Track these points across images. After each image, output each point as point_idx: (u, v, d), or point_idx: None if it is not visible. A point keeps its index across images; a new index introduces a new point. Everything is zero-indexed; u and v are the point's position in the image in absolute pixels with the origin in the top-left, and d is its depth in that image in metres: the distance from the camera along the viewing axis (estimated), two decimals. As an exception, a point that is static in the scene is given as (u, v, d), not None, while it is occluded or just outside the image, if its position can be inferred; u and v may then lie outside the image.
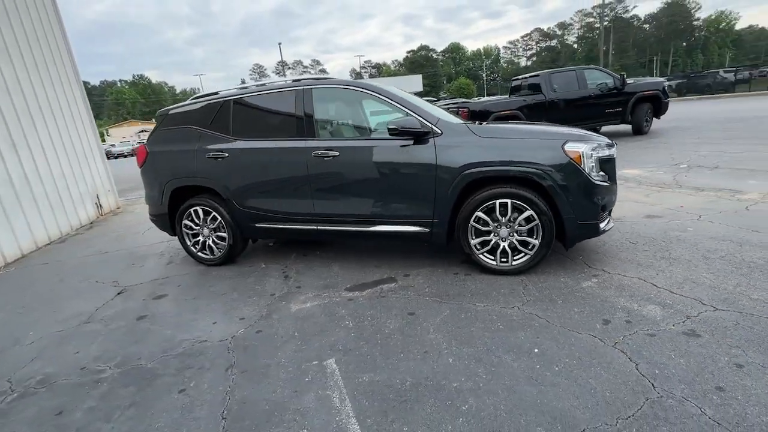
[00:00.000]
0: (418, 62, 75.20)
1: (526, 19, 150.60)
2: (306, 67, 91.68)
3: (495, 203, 2.78)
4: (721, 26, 66.39)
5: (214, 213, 3.55)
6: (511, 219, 2.79)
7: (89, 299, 3.27)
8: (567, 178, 2.64)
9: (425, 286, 2.85)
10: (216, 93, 3.79)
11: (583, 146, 2.67)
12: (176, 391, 1.96)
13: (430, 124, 2.88)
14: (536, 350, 1.98)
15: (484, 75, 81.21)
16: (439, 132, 2.87)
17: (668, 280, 2.56)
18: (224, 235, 3.61)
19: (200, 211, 3.61)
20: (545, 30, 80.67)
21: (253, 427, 1.67)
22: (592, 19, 73.63)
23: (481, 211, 2.82)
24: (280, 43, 73.85)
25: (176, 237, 3.96)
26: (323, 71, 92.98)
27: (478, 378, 1.82)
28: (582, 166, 2.64)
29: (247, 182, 3.41)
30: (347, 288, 2.97)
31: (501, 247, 2.87)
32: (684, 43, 70.15)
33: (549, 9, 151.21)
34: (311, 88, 3.26)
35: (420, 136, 2.87)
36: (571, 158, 2.64)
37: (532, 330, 2.16)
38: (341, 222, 3.23)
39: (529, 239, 2.80)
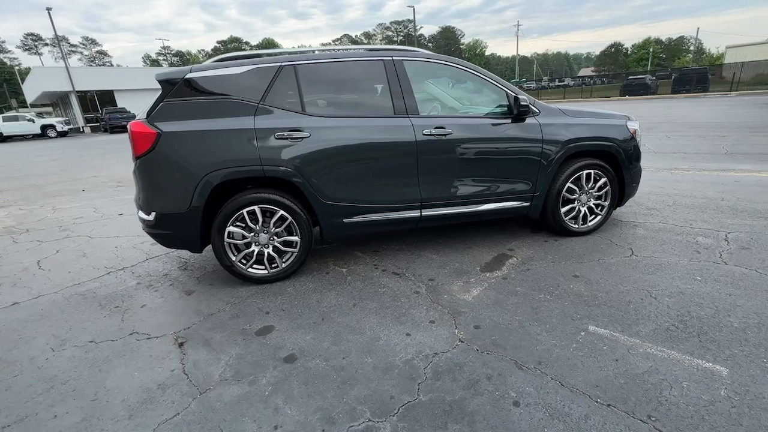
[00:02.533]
0: (231, 55, 69.34)
1: (332, 24, 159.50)
2: (74, 45, 70.85)
3: (582, 174, 3.24)
4: (477, 51, 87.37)
5: (281, 212, 2.71)
6: (591, 187, 3.32)
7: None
8: (630, 150, 3.34)
9: (544, 255, 3.07)
10: (257, 55, 2.88)
11: (635, 124, 3.43)
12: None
13: (530, 104, 3.08)
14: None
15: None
16: (537, 111, 3.11)
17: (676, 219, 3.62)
18: (295, 239, 2.81)
19: (258, 212, 2.69)
20: (353, 37, 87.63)
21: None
22: (390, 33, 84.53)
23: (570, 182, 3.24)
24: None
25: (197, 253, 2.83)
26: (103, 53, 74.30)
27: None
28: (637, 139, 3.40)
29: (339, 168, 2.76)
30: (481, 269, 2.87)
31: (582, 212, 3.36)
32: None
33: (350, 18, 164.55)
34: (402, 60, 2.92)
35: (527, 115, 3.04)
36: (631, 134, 3.35)
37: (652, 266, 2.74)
38: (450, 204, 3.05)
39: (601, 203, 3.40)
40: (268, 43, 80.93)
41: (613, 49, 73.99)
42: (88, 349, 2.19)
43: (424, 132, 2.84)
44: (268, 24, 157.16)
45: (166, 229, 2.67)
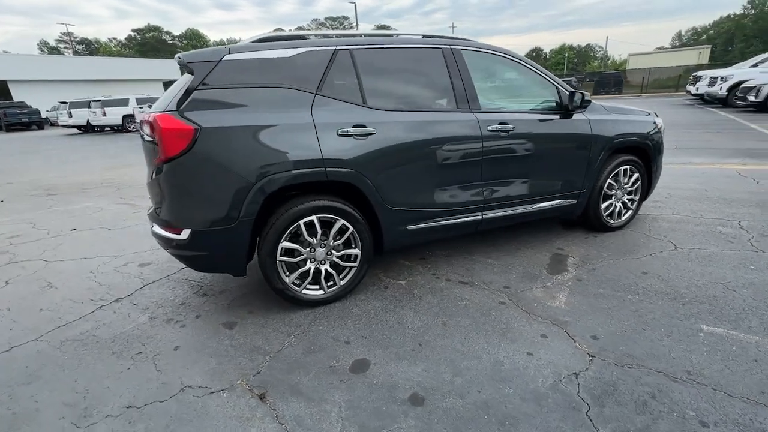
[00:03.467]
0: (149, 44, 62.55)
1: (263, 18, 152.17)
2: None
3: (620, 169, 3.27)
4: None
5: (342, 222, 2.31)
6: (626, 182, 3.37)
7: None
8: (657, 144, 3.45)
9: (597, 252, 3.02)
10: (302, 36, 2.42)
11: (660, 120, 3.54)
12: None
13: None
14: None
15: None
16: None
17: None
18: (354, 252, 2.42)
19: (317, 223, 2.26)
20: (287, 32, 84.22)
21: None
22: (326, 29, 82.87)
23: (611, 178, 3.25)
24: None
25: (238, 276, 2.33)
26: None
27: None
28: (662, 134, 3.52)
29: (406, 169, 2.42)
30: (548, 271, 2.74)
31: (618, 207, 3.40)
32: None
33: (282, 12, 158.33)
34: (460, 50, 2.66)
35: (577, 110, 2.97)
36: (659, 129, 3.46)
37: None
38: (510, 205, 2.86)
39: (633, 197, 3.47)
40: (193, 34, 74.77)
41: (534, 54, 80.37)
42: (132, 419, 1.63)
43: (489, 128, 2.62)
44: (189, 13, 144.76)
45: (203, 250, 2.12)
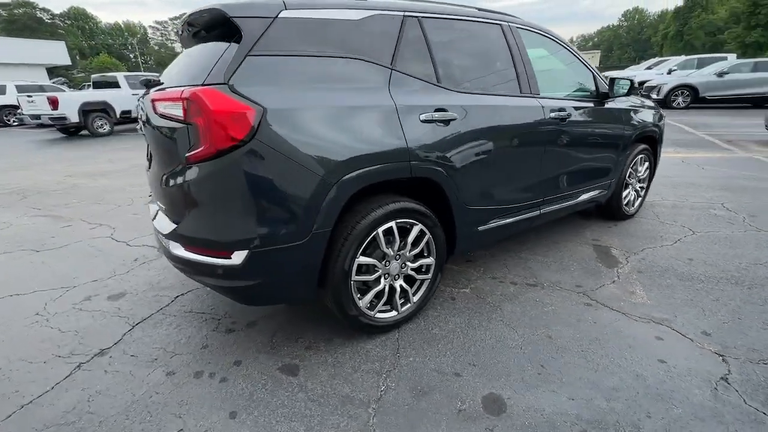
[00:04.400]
0: (21, 22, 51.90)
1: (170, 1, 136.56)
2: None
3: (638, 158, 3.33)
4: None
5: (420, 227, 1.90)
6: (639, 170, 3.45)
7: None
8: (662, 133, 3.59)
9: (632, 242, 3.02)
10: None
11: (661, 110, 3.69)
12: None
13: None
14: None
15: (132, 55, 68.15)
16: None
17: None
18: (428, 261, 2.02)
19: (395, 230, 1.82)
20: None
21: None
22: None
23: (630, 167, 3.29)
24: None
25: (298, 305, 1.79)
26: None
27: None
28: (664, 123, 3.67)
29: (484, 163, 2.08)
30: (605, 265, 2.63)
31: (633, 195, 3.47)
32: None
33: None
34: (517, 27, 2.39)
35: (613, 98, 2.90)
36: (663, 116, 3.60)
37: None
38: (563, 198, 2.69)
39: (643, 185, 3.58)
40: (78, 13, 64.33)
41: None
42: None
43: (551, 115, 2.41)
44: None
45: (263, 276, 1.55)
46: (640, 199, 3.59)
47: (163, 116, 1.52)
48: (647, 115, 3.30)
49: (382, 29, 1.78)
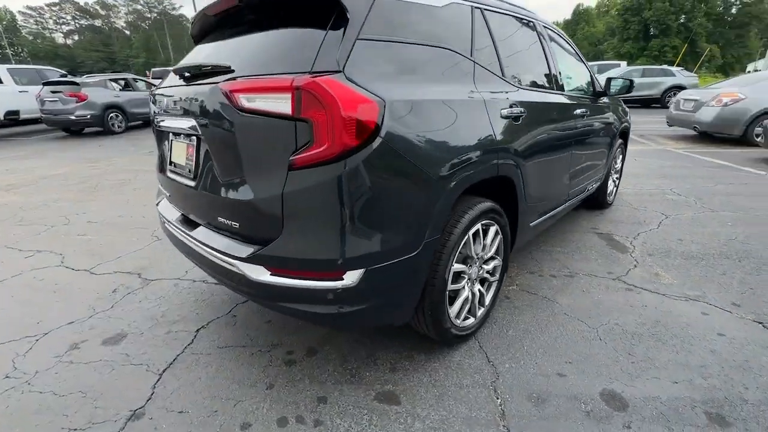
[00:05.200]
0: None
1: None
2: None
3: (617, 150, 3.66)
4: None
5: (496, 227, 1.82)
6: (617, 163, 3.79)
7: None
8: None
9: (627, 228, 3.29)
10: None
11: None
12: None
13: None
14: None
15: (-2, 45, 56.89)
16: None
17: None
18: (496, 262, 1.95)
19: (481, 233, 1.72)
20: (83, 5, 66.77)
21: None
22: (140, 7, 69.19)
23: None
24: None
25: (388, 326, 1.59)
26: None
27: None
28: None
29: (542, 157, 2.07)
30: (620, 251, 2.82)
31: (612, 186, 3.80)
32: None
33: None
34: (543, 25, 2.44)
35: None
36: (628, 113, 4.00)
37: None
38: (579, 191, 2.81)
39: (617, 176, 3.94)
40: None
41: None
42: None
43: (577, 111, 2.50)
44: None
45: (373, 298, 1.33)
46: (615, 188, 3.96)
47: (249, 111, 1.22)
48: (624, 111, 3.65)
49: (460, 19, 1.67)
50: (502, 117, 1.72)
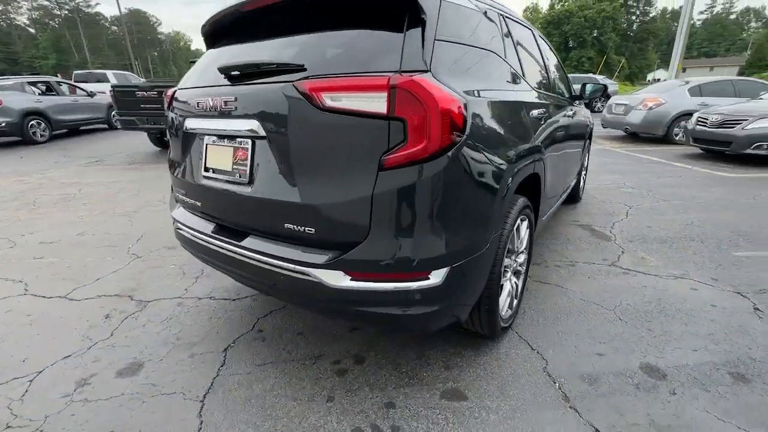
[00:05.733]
0: None
1: None
2: None
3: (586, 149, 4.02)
4: (181, 45, 78.42)
5: (527, 221, 1.92)
6: (586, 160, 4.15)
7: None
8: (591, 130, 4.40)
9: (601, 218, 3.62)
10: None
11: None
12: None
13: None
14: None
15: None
16: None
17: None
18: (526, 257, 2.05)
19: (521, 228, 1.81)
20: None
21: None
22: (47, 2, 61.74)
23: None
24: None
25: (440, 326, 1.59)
26: None
27: None
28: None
29: (555, 155, 2.23)
30: (614, 240, 3.09)
31: (582, 182, 4.16)
32: (156, 53, 76.73)
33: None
34: (536, 31, 2.61)
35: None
36: (589, 118, 4.40)
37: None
38: (569, 187, 3.03)
39: (584, 173, 4.31)
40: None
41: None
42: None
43: (569, 111, 2.72)
44: None
45: (452, 297, 1.33)
46: (584, 183, 4.33)
47: (333, 110, 1.18)
48: (588, 113, 4.02)
49: (495, 23, 1.75)
50: (533, 117, 1.83)
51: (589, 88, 3.29)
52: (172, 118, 1.74)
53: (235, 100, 1.37)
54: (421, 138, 1.13)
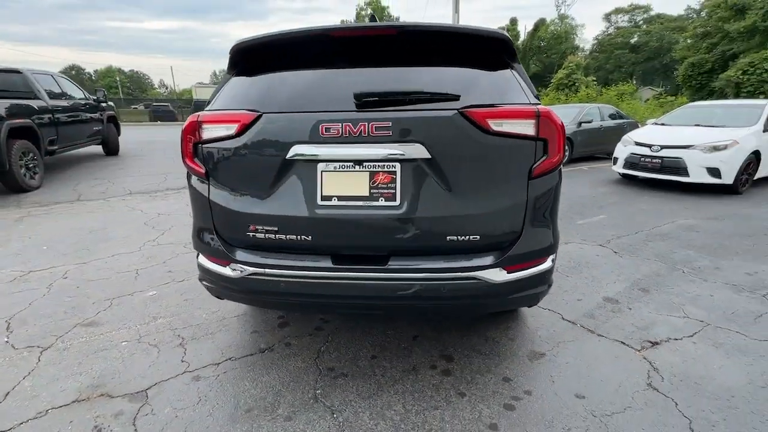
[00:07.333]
0: None
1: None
2: None
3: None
4: None
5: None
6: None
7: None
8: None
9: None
10: None
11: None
12: None
13: None
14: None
15: None
16: None
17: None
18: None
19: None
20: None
21: None
22: None
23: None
24: None
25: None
26: None
27: None
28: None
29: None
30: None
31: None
32: None
33: None
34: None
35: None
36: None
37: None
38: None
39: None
40: None
41: (74, 71, 66.77)
42: None
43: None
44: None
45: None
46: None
47: (496, 134, 1.44)
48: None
49: None
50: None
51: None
52: (254, 143, 1.49)
53: (390, 125, 1.41)
54: (556, 152, 1.53)
